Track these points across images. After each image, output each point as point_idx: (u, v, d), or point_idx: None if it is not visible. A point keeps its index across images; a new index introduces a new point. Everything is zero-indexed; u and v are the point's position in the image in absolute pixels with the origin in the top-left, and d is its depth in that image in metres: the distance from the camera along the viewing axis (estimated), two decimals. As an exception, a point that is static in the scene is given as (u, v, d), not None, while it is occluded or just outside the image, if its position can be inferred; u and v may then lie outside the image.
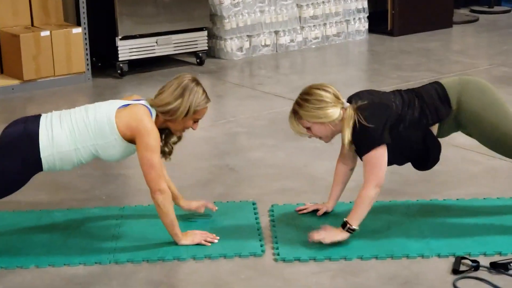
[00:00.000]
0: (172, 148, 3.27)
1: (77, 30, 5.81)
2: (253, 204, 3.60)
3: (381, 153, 3.09)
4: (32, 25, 5.89)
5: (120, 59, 6.01)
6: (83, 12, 5.85)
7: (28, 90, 5.68)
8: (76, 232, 3.34)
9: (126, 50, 6.02)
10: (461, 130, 3.26)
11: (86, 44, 5.87)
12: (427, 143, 3.21)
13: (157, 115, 3.13)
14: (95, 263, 3.07)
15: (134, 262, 3.07)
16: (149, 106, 3.13)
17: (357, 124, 3.08)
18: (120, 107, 3.11)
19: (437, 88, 3.21)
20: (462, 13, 8.26)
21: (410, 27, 7.41)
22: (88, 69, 5.93)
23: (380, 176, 3.09)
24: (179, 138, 3.27)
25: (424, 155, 3.25)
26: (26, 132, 3.05)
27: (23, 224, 3.41)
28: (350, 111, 3.11)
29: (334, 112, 3.11)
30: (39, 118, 3.11)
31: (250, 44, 6.69)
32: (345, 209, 3.35)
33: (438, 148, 3.24)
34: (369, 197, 3.09)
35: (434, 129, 3.21)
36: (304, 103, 3.12)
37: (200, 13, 6.29)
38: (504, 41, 7.08)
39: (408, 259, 3.06)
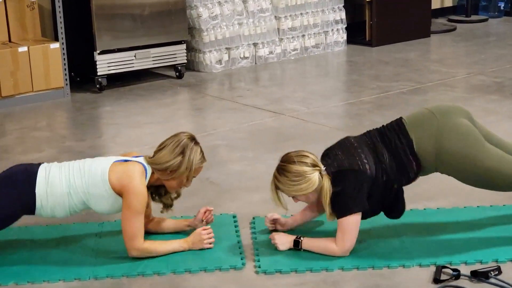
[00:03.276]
0: (172, 202, 3.32)
1: (55, 45, 5.79)
2: (234, 217, 3.59)
3: (355, 220, 3.10)
4: (10, 40, 5.86)
5: (98, 73, 5.99)
6: (61, 27, 5.83)
7: (6, 106, 5.64)
8: (56, 248, 3.31)
9: (105, 64, 6.00)
10: (440, 172, 3.25)
11: (64, 59, 5.85)
12: (397, 197, 3.22)
13: (152, 173, 3.16)
14: (75, 279, 3.04)
15: (114, 277, 3.05)
16: (145, 164, 3.15)
17: (333, 191, 3.08)
18: (116, 161, 3.15)
19: (405, 142, 3.14)
20: (439, 22, 8.33)
21: (388, 37, 7.46)
22: (66, 84, 5.90)
23: (350, 244, 3.12)
24: (179, 194, 3.34)
25: (393, 208, 3.26)
26: (27, 170, 3.15)
27: (1, 240, 3.37)
28: (326, 177, 3.09)
29: (314, 182, 3.08)
30: (40, 164, 3.21)
31: (229, 57, 6.70)
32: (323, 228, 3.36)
33: (403, 203, 3.26)
34: (331, 251, 3.13)
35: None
36: (283, 179, 3.11)
37: (178, 26, 6.29)
38: (481, 50, 7.14)
39: (389, 269, 3.06)
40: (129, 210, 3.08)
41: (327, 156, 3.19)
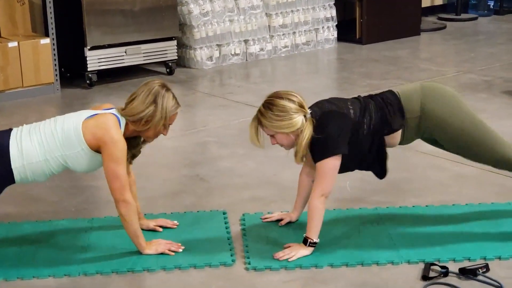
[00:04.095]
0: (140, 151, 3.26)
1: (45, 41, 5.77)
2: (224, 213, 3.60)
3: (333, 164, 3.10)
4: (0, 36, 5.84)
5: (89, 69, 5.98)
6: (51, 23, 5.81)
7: (-5, 101, 5.62)
8: (45, 244, 3.30)
9: (95, 60, 5.99)
10: (425, 136, 3.28)
11: (54, 54, 5.83)
12: (378, 152, 3.23)
13: (126, 124, 3.12)
14: (65, 275, 3.04)
15: (103, 274, 3.05)
16: (118, 115, 3.11)
17: (314, 133, 3.10)
18: (88, 117, 3.09)
19: (393, 97, 3.21)
20: (429, 20, 8.35)
21: (378, 35, 7.48)
22: (56, 79, 5.88)
23: (327, 186, 3.11)
24: (147, 141, 3.26)
25: (375, 165, 3.28)
26: None
27: (-10, 237, 3.37)
28: (309, 121, 3.12)
29: (297, 122, 3.09)
30: (10, 132, 3.10)
31: (220, 53, 6.70)
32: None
33: (384, 159, 3.26)
34: (317, 208, 3.12)
35: (397, 136, 3.23)
36: (268, 112, 3.11)
37: (169, 22, 6.29)
38: (471, 49, 7.17)
39: (378, 266, 3.08)
40: (111, 161, 3.01)
41: (314, 106, 3.22)
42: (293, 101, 3.11)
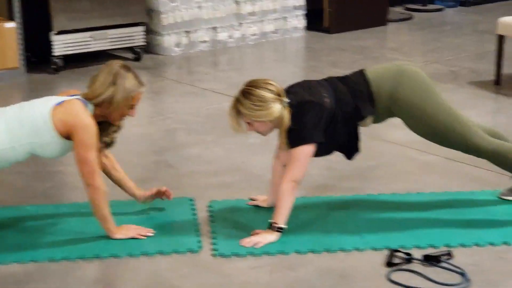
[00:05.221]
0: (113, 138, 3.24)
1: (11, 25, 5.69)
2: (191, 200, 3.60)
3: (307, 151, 3.14)
4: (-36, 19, 5.76)
5: (55, 54, 5.92)
6: (17, 6, 5.73)
7: (-41, 85, 5.54)
8: (11, 230, 3.28)
9: (61, 45, 5.93)
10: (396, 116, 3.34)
11: (20, 39, 5.76)
12: (352, 135, 3.29)
13: (94, 108, 3.10)
14: (31, 261, 3.02)
15: (70, 260, 3.04)
16: (84, 100, 3.09)
17: (291, 123, 3.14)
18: (56, 104, 3.06)
19: (363, 84, 3.26)
20: (397, 11, 8.41)
21: (346, 24, 7.52)
22: (22, 64, 5.81)
23: (299, 172, 3.15)
24: (119, 127, 3.24)
25: (348, 147, 3.33)
26: None
27: (-45, 222, 3.34)
28: (286, 112, 3.15)
29: (275, 111, 3.13)
30: None
31: (188, 40, 6.67)
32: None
33: (357, 141, 3.34)
34: (287, 193, 3.15)
35: (369, 120, 3.28)
36: (246, 102, 3.14)
37: (136, 8, 6.25)
38: (437, 39, 7.25)
39: (344, 252, 3.11)
40: (82, 146, 2.99)
41: (288, 92, 3.24)
42: (271, 90, 3.14)
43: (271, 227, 3.17)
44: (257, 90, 3.14)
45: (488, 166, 3.62)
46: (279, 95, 3.16)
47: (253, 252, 3.10)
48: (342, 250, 3.12)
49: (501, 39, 5.50)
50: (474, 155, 3.34)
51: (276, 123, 3.18)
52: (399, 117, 3.30)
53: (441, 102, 3.25)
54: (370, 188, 3.76)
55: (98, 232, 3.18)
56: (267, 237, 3.15)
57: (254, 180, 3.87)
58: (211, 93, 5.48)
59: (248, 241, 3.14)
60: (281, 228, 3.17)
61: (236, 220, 3.40)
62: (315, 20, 7.53)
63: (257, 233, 3.19)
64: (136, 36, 6.29)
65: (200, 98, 5.36)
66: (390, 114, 3.30)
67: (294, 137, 3.15)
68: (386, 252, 3.08)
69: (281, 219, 3.16)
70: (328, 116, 3.18)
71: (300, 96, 3.19)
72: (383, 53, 6.74)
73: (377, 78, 3.27)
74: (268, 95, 3.13)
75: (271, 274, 2.96)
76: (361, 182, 3.86)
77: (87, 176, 3.04)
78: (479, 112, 4.94)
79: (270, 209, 3.47)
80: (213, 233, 3.27)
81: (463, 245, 3.14)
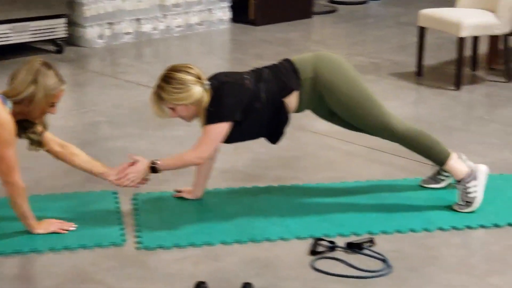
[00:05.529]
0: (40, 137, 3.17)
1: None
2: (114, 193, 3.55)
3: (220, 129, 3.17)
4: None
5: (-27, 46, 5.74)
6: None
7: None
8: None
9: (-21, 37, 5.76)
10: (321, 104, 3.34)
11: None
12: (279, 117, 3.30)
13: (14, 106, 3.02)
14: None
15: (-11, 256, 2.95)
16: (4, 98, 3.01)
17: (210, 104, 3.16)
18: None
19: (287, 63, 3.32)
20: (321, 3, 8.49)
21: (271, 17, 7.54)
22: None
23: (206, 150, 3.19)
24: (45, 126, 3.19)
25: (275, 130, 3.34)
26: None
27: None
28: (208, 92, 3.16)
29: (195, 93, 3.14)
30: None
31: (111, 32, 6.57)
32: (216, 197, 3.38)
33: (286, 122, 3.34)
34: (187, 160, 3.22)
35: (294, 99, 3.29)
36: (166, 86, 3.14)
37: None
38: (360, 32, 7.35)
39: (269, 242, 3.12)
40: None
41: (212, 78, 3.28)
42: (190, 73, 3.16)
43: (152, 163, 3.21)
44: (177, 74, 3.15)
45: (409, 155, 3.69)
46: (199, 78, 3.17)
47: (179, 244, 3.08)
48: (267, 239, 3.13)
49: (422, 31, 5.62)
50: (389, 139, 3.40)
51: (198, 106, 3.18)
52: (321, 95, 3.31)
53: (358, 84, 3.33)
54: (295, 178, 3.78)
55: (18, 227, 3.10)
56: (142, 172, 3.21)
57: (179, 172, 3.83)
58: (135, 86, 5.41)
59: (125, 179, 3.20)
60: (156, 167, 3.20)
61: (161, 213, 3.37)
62: (241, 12, 7.53)
63: (130, 169, 3.22)
64: (57, 28, 6.15)
65: (124, 91, 5.29)
66: (313, 96, 3.31)
67: (211, 116, 3.17)
68: (310, 241, 3.11)
69: (165, 166, 3.22)
70: (250, 96, 3.20)
71: (220, 79, 3.24)
72: (308, 46, 6.79)
73: (299, 60, 3.34)
74: (188, 77, 3.14)
75: (196, 265, 2.95)
76: (286, 172, 3.89)
77: (5, 173, 2.98)
78: (401, 103, 5.04)
79: (196, 201, 3.46)
80: (137, 226, 3.24)
81: (385, 232, 3.20)
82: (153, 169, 3.22)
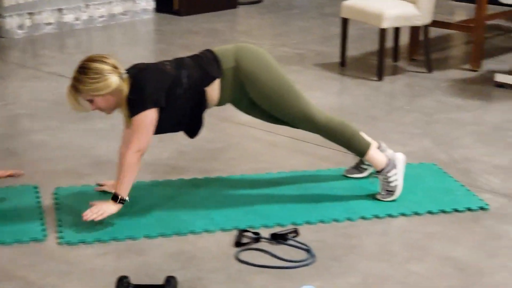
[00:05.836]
0: None
1: None
2: (35, 188, 3.47)
3: (149, 117, 3.12)
4: None
5: None
6: None
7: None
8: None
9: None
10: (242, 95, 3.34)
11: None
12: (200, 107, 3.28)
13: None
14: None
15: None
16: None
17: (130, 92, 3.12)
18: None
19: (209, 53, 3.32)
20: (246, -6, 8.50)
21: (196, 7, 7.50)
22: None
23: (143, 141, 3.13)
24: None
25: (195, 121, 3.33)
26: None
27: None
28: (126, 81, 3.13)
29: (113, 82, 3.09)
30: None
31: (31, 22, 6.41)
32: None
33: (201, 116, 3.33)
34: (132, 163, 3.12)
35: (216, 89, 3.28)
36: (82, 77, 3.09)
37: (-26, -12, 5.93)
38: (285, 22, 7.39)
39: (194, 234, 3.11)
40: None
41: (131, 68, 3.25)
42: (106, 63, 3.12)
43: (115, 198, 3.11)
44: (93, 64, 3.10)
45: (333, 146, 3.74)
46: (115, 67, 3.13)
47: (101, 239, 3.03)
48: (192, 232, 3.12)
49: (345, 22, 5.69)
50: (310, 130, 3.42)
51: (117, 96, 3.13)
52: (243, 86, 3.31)
53: (280, 75, 3.33)
54: (220, 170, 3.78)
55: None
56: (109, 207, 3.09)
57: (101, 166, 3.79)
58: (57, 77, 5.30)
59: (90, 214, 3.06)
60: (123, 200, 3.11)
61: (83, 207, 3.30)
62: (165, 2, 7.46)
63: (97, 205, 3.12)
64: (-25, 17, 5.97)
65: (45, 83, 5.17)
66: (235, 86, 3.30)
67: (134, 104, 3.13)
68: (235, 233, 3.11)
69: (124, 190, 3.12)
70: (171, 82, 3.18)
71: (139, 66, 3.22)
72: (234, 36, 6.79)
73: (221, 51, 3.33)
74: (103, 66, 3.10)
75: (118, 259, 2.92)
76: (211, 164, 3.88)
77: None
78: (325, 93, 5.09)
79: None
80: (59, 220, 3.17)
81: (308, 222, 3.23)
82: (115, 197, 3.10)
